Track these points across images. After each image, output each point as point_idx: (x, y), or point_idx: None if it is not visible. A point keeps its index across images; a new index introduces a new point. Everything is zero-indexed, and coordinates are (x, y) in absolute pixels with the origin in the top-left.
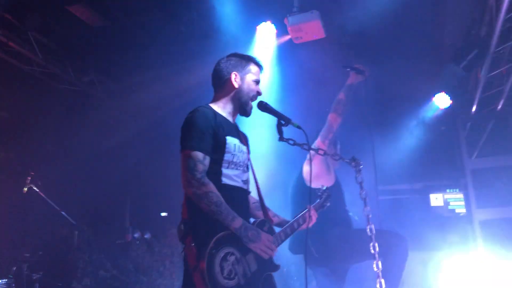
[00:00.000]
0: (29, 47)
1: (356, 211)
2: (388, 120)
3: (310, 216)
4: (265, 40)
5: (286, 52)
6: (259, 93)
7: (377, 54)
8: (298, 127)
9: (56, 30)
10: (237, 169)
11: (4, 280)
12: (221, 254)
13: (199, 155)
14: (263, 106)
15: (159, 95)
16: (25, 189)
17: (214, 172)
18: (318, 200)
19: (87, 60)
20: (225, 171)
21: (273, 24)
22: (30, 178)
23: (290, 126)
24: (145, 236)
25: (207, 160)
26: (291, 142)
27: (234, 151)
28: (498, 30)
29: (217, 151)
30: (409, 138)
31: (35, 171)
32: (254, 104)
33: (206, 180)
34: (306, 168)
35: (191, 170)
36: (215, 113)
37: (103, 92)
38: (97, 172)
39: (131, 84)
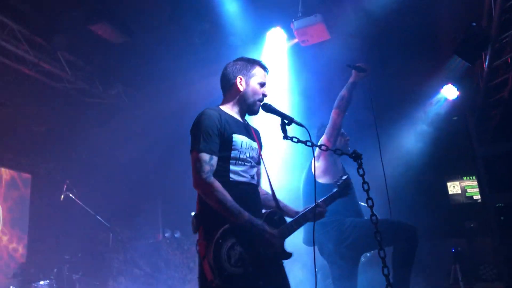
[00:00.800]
0: (59, 66)
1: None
2: (400, 114)
3: (321, 212)
4: (275, 45)
5: (298, 55)
6: (264, 95)
7: (381, 53)
8: (301, 125)
9: (82, 49)
10: (244, 165)
11: (46, 281)
12: (228, 243)
13: (205, 156)
14: (267, 108)
15: (180, 100)
16: (62, 196)
17: (223, 169)
18: (336, 189)
19: (113, 74)
20: (232, 167)
21: (282, 29)
22: (66, 186)
23: (293, 125)
24: (175, 235)
25: (214, 160)
26: (294, 140)
27: (241, 148)
28: (497, 20)
29: (224, 148)
30: (423, 130)
31: (71, 179)
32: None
33: (212, 179)
34: (313, 164)
35: (197, 171)
36: (221, 113)
37: (129, 103)
38: (128, 177)
39: (155, 93)
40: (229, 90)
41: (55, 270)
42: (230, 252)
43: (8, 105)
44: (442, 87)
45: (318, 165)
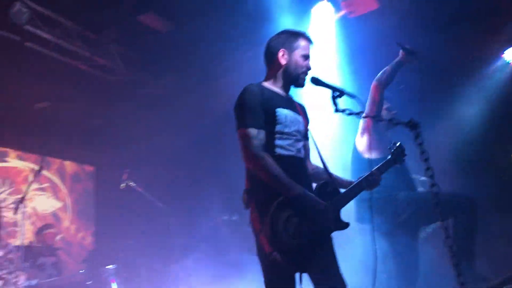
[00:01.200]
0: (112, 59)
1: None
2: (459, 83)
3: (375, 180)
4: (322, 19)
5: (346, 28)
6: (308, 68)
7: (433, 21)
8: (353, 96)
9: (132, 40)
10: (289, 138)
11: (113, 265)
12: (284, 216)
13: (252, 131)
14: (315, 81)
15: (230, 83)
16: (123, 185)
17: (268, 144)
18: (390, 156)
19: (163, 63)
20: (278, 142)
21: (329, 2)
22: (126, 175)
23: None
24: (233, 218)
25: (262, 134)
26: (346, 112)
27: (285, 121)
28: None
29: (269, 123)
30: (484, 98)
31: (131, 168)
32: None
33: (262, 153)
34: (358, 140)
35: (247, 147)
36: (263, 89)
37: (181, 90)
38: (185, 163)
39: (205, 77)
40: (272, 64)
41: (120, 255)
42: (287, 224)
43: (66, 101)
44: (504, 51)
45: (363, 140)
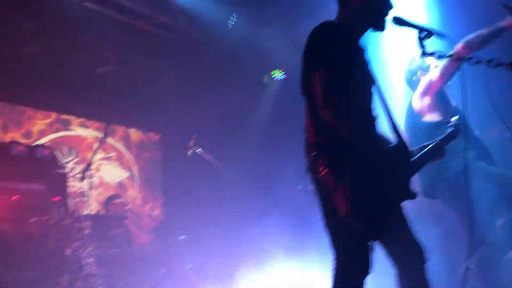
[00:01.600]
0: (173, 16)
1: None
2: None
3: (441, 152)
4: None
5: None
6: (390, 6)
7: None
8: (443, 35)
9: None
10: (364, 93)
11: (183, 236)
12: (365, 175)
13: (336, 74)
14: (399, 21)
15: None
16: (190, 152)
17: (344, 94)
18: (451, 129)
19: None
20: (354, 94)
21: None
22: (193, 141)
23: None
24: (308, 187)
25: (343, 80)
26: (436, 55)
27: (363, 72)
28: None
29: (347, 71)
30: None
31: (199, 134)
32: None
33: (344, 102)
34: (416, 101)
35: (328, 92)
36: (343, 30)
37: (249, 49)
38: (257, 129)
39: (277, 33)
40: (346, 3)
41: (190, 225)
42: (364, 183)
43: (128, 64)
44: None
45: (424, 101)
